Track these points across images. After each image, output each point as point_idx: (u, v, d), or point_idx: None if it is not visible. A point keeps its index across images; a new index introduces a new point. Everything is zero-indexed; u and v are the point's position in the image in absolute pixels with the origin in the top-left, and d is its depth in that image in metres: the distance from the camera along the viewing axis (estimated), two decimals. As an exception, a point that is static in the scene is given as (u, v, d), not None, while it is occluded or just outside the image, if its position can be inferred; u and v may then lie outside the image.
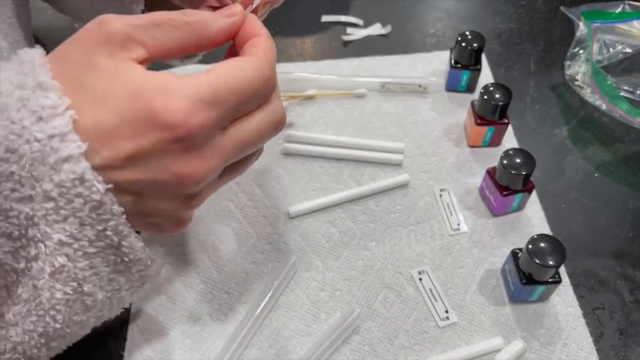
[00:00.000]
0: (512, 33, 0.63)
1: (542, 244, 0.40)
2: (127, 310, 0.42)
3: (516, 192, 0.45)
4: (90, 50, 0.27)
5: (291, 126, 0.54)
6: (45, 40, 0.28)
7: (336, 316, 0.42)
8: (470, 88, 0.57)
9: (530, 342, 0.41)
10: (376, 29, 0.63)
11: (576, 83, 0.57)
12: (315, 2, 0.67)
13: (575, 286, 0.44)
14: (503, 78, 0.59)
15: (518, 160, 0.44)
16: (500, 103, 0.48)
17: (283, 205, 0.48)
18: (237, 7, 0.31)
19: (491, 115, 0.49)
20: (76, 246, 0.28)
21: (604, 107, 0.54)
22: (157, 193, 0.28)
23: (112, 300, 0.32)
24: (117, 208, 0.27)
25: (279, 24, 0.64)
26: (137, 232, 0.31)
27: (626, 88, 0.57)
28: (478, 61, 0.55)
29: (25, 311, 0.29)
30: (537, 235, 0.40)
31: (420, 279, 0.44)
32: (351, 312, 0.41)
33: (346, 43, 0.62)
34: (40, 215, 0.27)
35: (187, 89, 0.26)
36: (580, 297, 0.43)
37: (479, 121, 0.50)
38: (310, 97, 0.56)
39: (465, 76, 0.55)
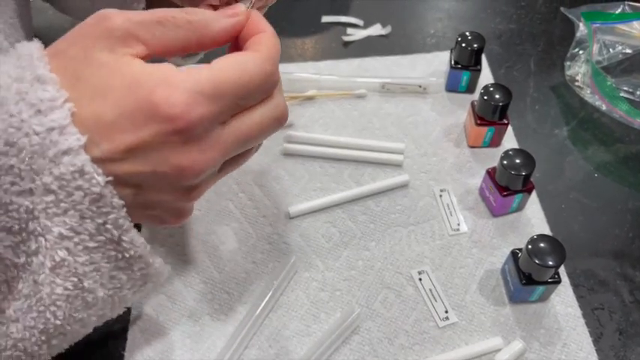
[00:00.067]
0: (513, 33, 0.63)
1: (541, 245, 0.40)
2: (128, 310, 0.42)
3: (516, 192, 0.45)
4: (89, 44, 0.27)
5: (292, 126, 0.54)
6: (46, 40, 0.29)
7: (336, 316, 0.42)
8: (470, 89, 0.57)
9: (530, 342, 0.41)
10: (376, 30, 0.63)
11: (576, 84, 0.57)
12: (315, 3, 0.67)
13: (575, 286, 0.44)
14: (503, 78, 0.59)
15: (518, 161, 0.44)
16: (500, 104, 0.48)
17: (283, 205, 0.48)
18: (241, 7, 0.30)
19: (491, 115, 0.49)
20: (76, 240, 0.27)
21: (604, 108, 0.54)
22: (157, 185, 0.28)
23: (113, 298, 0.31)
24: (117, 201, 0.27)
25: (280, 24, 0.64)
26: (139, 229, 0.31)
27: (625, 88, 0.57)
28: (478, 62, 0.55)
29: (25, 307, 0.29)
30: (537, 236, 0.40)
31: (420, 279, 0.44)
32: (351, 312, 0.42)
33: (346, 44, 0.62)
34: (40, 209, 0.26)
35: (188, 82, 0.26)
36: (580, 297, 0.43)
37: (479, 122, 0.50)
38: (310, 98, 0.56)
39: (465, 77, 0.56)
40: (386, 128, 0.54)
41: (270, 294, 0.42)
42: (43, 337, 0.30)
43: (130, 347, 0.41)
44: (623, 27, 0.59)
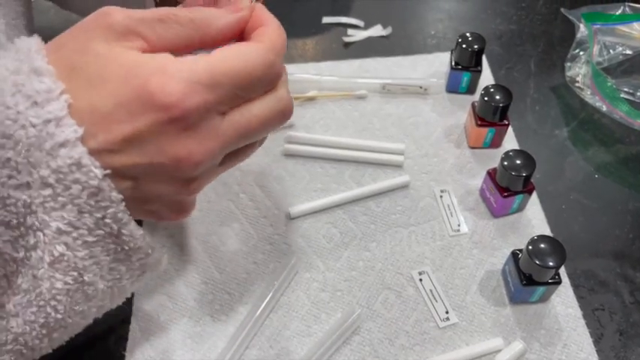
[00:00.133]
0: (513, 34, 0.64)
1: (542, 245, 0.40)
2: (129, 310, 0.43)
3: (517, 193, 0.46)
4: (87, 37, 0.26)
5: (292, 127, 0.54)
6: (47, 40, 0.29)
7: (336, 317, 0.42)
8: (470, 90, 0.57)
9: (531, 343, 0.41)
10: (377, 31, 0.63)
11: (576, 85, 0.57)
12: (316, 4, 0.67)
13: (576, 287, 0.44)
14: (503, 79, 0.59)
15: (518, 162, 0.45)
16: (501, 105, 0.48)
17: (284, 206, 0.49)
18: (244, 2, 0.30)
19: (491, 116, 0.49)
20: (75, 235, 0.27)
21: (604, 109, 0.54)
22: (155, 178, 0.28)
23: (113, 289, 0.31)
24: (115, 195, 0.27)
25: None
26: (139, 223, 0.31)
27: (626, 89, 0.57)
28: (479, 63, 0.55)
29: (25, 302, 0.28)
30: (537, 236, 0.40)
31: (421, 280, 0.44)
32: (352, 312, 0.42)
33: (347, 45, 0.62)
34: (38, 203, 0.26)
35: (184, 71, 0.26)
36: (580, 298, 0.43)
37: (479, 123, 0.50)
38: (311, 99, 0.56)
39: (465, 78, 0.56)
40: (386, 129, 0.54)
41: (270, 294, 0.43)
42: (44, 331, 0.30)
43: (130, 347, 0.41)
44: (623, 28, 0.60)
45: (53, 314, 0.29)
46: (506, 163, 0.44)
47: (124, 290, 0.33)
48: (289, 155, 0.52)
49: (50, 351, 0.32)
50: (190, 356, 0.41)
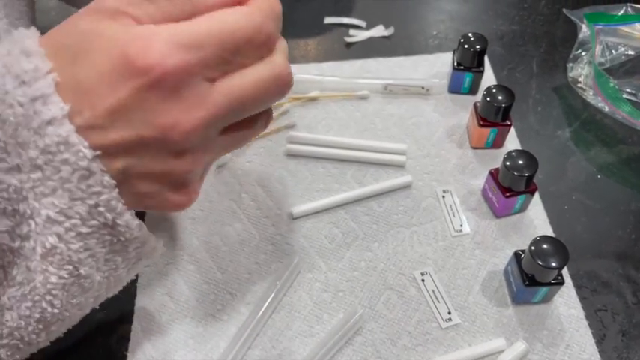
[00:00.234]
0: (515, 35, 0.64)
1: (544, 246, 0.40)
2: (130, 310, 0.43)
3: (519, 193, 0.46)
4: (76, 19, 0.26)
5: (294, 127, 0.54)
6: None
7: (338, 317, 0.42)
8: (472, 90, 0.57)
9: (533, 343, 0.41)
10: (379, 31, 0.63)
11: (579, 85, 0.57)
12: (318, 4, 0.67)
13: (578, 287, 0.44)
14: (505, 80, 0.59)
15: (520, 162, 0.44)
16: (503, 105, 0.48)
17: (286, 206, 0.49)
18: None
19: (493, 116, 0.49)
20: (67, 225, 0.26)
21: (606, 109, 0.54)
22: (145, 154, 0.27)
23: (109, 279, 0.31)
24: (107, 180, 0.26)
25: (282, 26, 0.64)
26: (140, 217, 0.30)
27: (628, 90, 0.57)
28: (481, 63, 0.55)
29: (19, 295, 0.28)
30: (540, 237, 0.40)
31: (423, 280, 0.44)
32: (354, 313, 0.42)
33: (349, 45, 0.63)
34: (28, 188, 0.26)
35: (164, 33, 0.25)
36: (582, 298, 0.43)
37: (481, 123, 0.50)
38: (313, 99, 0.56)
39: (467, 78, 0.56)
40: (388, 129, 0.54)
41: (273, 294, 0.42)
42: (40, 326, 0.29)
43: (132, 347, 0.41)
44: (625, 29, 0.59)
45: (50, 309, 0.29)
46: (508, 163, 0.44)
47: (120, 279, 0.32)
48: (291, 155, 0.52)
49: (48, 344, 0.32)
50: (192, 356, 0.41)
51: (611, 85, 0.54)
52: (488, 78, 0.58)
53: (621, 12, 0.60)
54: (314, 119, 0.55)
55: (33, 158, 0.25)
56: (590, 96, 0.56)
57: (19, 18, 0.39)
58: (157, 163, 0.27)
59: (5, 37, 0.35)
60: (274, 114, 0.55)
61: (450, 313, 0.42)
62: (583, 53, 0.58)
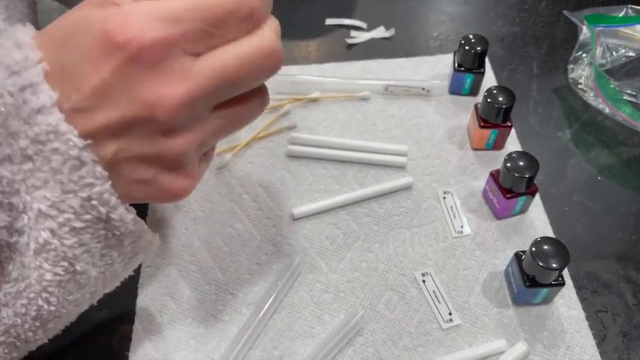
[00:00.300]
0: (516, 36, 0.64)
1: (545, 247, 0.40)
2: (132, 310, 0.43)
3: (519, 195, 0.46)
4: (68, 13, 0.26)
5: (295, 128, 0.54)
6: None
7: (339, 318, 0.42)
8: (473, 92, 0.57)
9: (534, 344, 0.41)
10: (380, 32, 0.64)
11: (579, 86, 0.57)
12: (319, 5, 0.67)
13: (579, 288, 0.44)
14: (506, 81, 0.59)
15: (521, 163, 0.45)
16: (504, 106, 0.48)
17: (287, 207, 0.49)
18: None
19: (494, 118, 0.50)
20: (60, 219, 0.26)
21: (607, 111, 0.54)
22: (134, 135, 0.26)
23: (105, 274, 0.31)
24: (100, 171, 0.26)
25: (283, 27, 0.64)
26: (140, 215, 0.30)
27: (629, 91, 0.57)
28: (481, 65, 0.55)
29: (14, 292, 0.28)
30: (540, 238, 0.40)
31: (424, 281, 0.44)
32: (355, 314, 0.42)
33: (350, 46, 0.63)
34: (19, 180, 0.25)
35: (142, 7, 0.25)
36: (583, 299, 0.43)
37: (482, 124, 0.50)
38: (314, 100, 0.57)
39: (468, 79, 0.56)
40: (389, 130, 0.54)
41: (274, 295, 0.43)
42: (37, 323, 0.29)
43: (134, 348, 0.41)
44: (626, 30, 0.60)
45: (46, 306, 0.28)
46: (509, 164, 0.44)
47: (116, 274, 0.32)
48: (292, 156, 0.52)
49: (46, 341, 0.32)
50: (193, 357, 0.41)
51: (612, 86, 0.54)
52: (489, 79, 0.58)
53: (622, 13, 0.60)
54: (315, 120, 0.55)
55: (23, 148, 0.25)
56: (590, 97, 0.56)
57: (20, 19, 0.39)
58: (146, 143, 0.26)
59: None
60: (275, 115, 0.55)
61: (450, 314, 0.43)
62: (584, 55, 0.58)
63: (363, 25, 0.65)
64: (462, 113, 0.56)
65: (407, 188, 0.50)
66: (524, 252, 0.42)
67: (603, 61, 0.59)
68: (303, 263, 0.45)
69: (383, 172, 0.51)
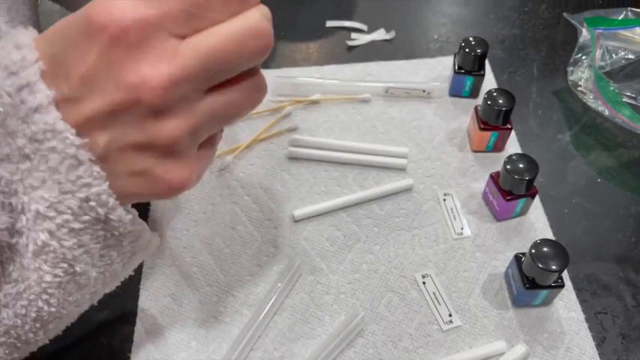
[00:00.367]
0: (516, 39, 0.64)
1: (545, 249, 0.40)
2: (133, 312, 0.43)
3: (519, 197, 0.46)
4: (68, 16, 0.26)
5: (296, 130, 0.55)
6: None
7: (340, 319, 0.43)
8: (473, 94, 0.57)
9: (533, 346, 0.41)
10: (380, 34, 0.64)
11: (579, 89, 0.57)
12: (319, 7, 0.67)
13: (578, 290, 0.44)
14: (506, 83, 0.59)
15: (521, 165, 0.45)
16: (504, 109, 0.49)
17: (288, 209, 0.49)
18: None
19: (494, 120, 0.50)
20: (58, 221, 0.26)
21: (607, 113, 0.55)
22: (123, 122, 0.26)
23: (105, 275, 0.31)
24: (97, 170, 0.26)
25: (284, 29, 0.65)
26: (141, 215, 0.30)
27: (628, 94, 0.57)
28: (481, 67, 0.55)
29: (14, 293, 0.28)
30: (540, 240, 0.41)
31: (424, 282, 0.44)
32: (356, 315, 0.42)
33: (350, 48, 0.63)
34: (17, 180, 0.26)
35: None
36: (583, 301, 0.44)
37: (482, 126, 0.50)
38: (315, 102, 0.57)
39: (468, 82, 0.56)
40: (390, 132, 0.54)
41: (274, 297, 0.43)
42: (37, 324, 0.29)
43: (135, 349, 0.41)
44: (625, 33, 0.60)
45: (46, 308, 0.28)
46: (509, 166, 0.45)
47: (116, 274, 0.32)
48: (293, 158, 0.52)
49: (47, 342, 0.32)
50: (195, 358, 0.41)
51: (612, 88, 0.55)
52: (489, 82, 0.59)
53: (621, 16, 0.60)
54: (316, 122, 0.55)
55: (21, 147, 0.25)
56: (590, 100, 0.56)
57: (22, 21, 0.39)
58: (137, 130, 0.26)
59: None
60: (276, 117, 0.55)
61: (450, 315, 0.43)
62: (583, 57, 0.59)
63: (364, 27, 0.65)
64: (462, 115, 0.56)
65: (407, 190, 0.50)
66: (524, 254, 0.42)
67: (603, 64, 0.59)
68: (304, 265, 0.45)
69: (383, 174, 0.51)
